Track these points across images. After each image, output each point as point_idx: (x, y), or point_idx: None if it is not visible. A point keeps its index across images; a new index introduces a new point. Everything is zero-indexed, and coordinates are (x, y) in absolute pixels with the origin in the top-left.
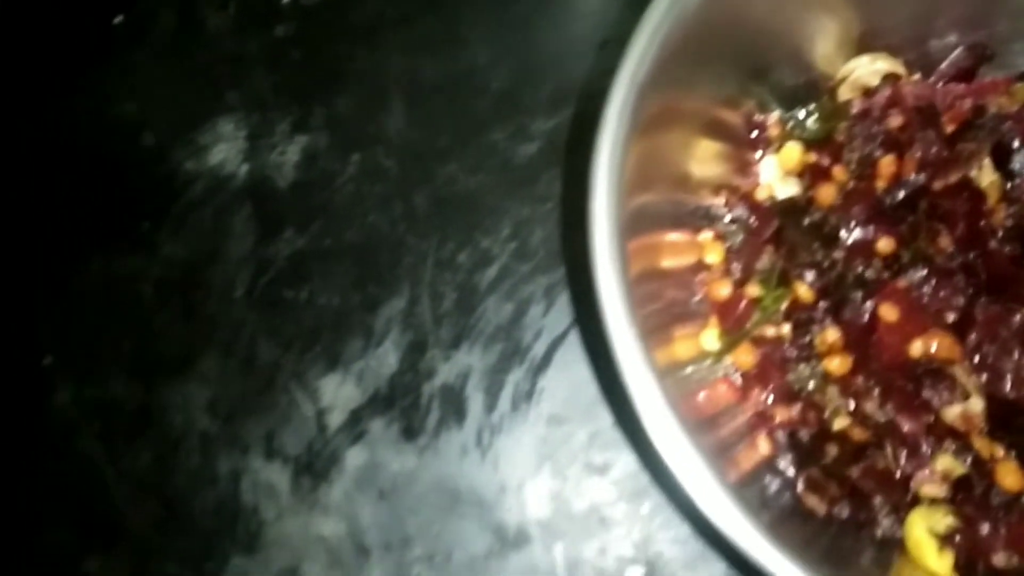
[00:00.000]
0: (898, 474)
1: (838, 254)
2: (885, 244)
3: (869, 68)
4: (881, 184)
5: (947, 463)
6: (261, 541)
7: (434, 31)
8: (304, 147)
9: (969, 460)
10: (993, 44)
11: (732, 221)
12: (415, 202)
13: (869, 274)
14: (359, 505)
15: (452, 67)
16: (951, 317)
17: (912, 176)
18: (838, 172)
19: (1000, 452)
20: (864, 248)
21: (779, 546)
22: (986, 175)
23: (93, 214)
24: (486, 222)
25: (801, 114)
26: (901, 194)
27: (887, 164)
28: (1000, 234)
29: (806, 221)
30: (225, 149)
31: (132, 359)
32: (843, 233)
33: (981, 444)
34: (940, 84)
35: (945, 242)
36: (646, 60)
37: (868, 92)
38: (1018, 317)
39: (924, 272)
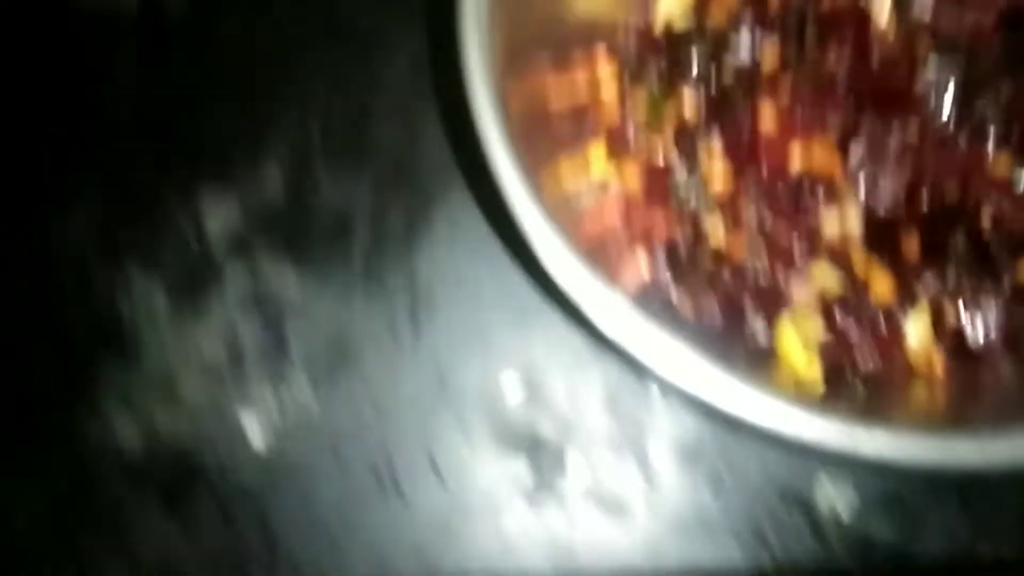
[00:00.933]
0: (774, 284)
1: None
2: (770, 59)
3: None
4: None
5: (823, 273)
6: (139, 354)
7: None
8: None
9: (843, 274)
10: None
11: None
12: (306, 21)
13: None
14: (239, 323)
15: None
16: (833, 135)
17: None
18: None
19: (875, 266)
20: (750, 69)
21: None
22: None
23: None
24: (379, 51)
25: None
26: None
27: None
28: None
29: (693, 46)
30: None
31: (10, 184)
32: (728, 56)
33: (857, 258)
34: None
35: (831, 60)
36: None
37: None
38: (898, 136)
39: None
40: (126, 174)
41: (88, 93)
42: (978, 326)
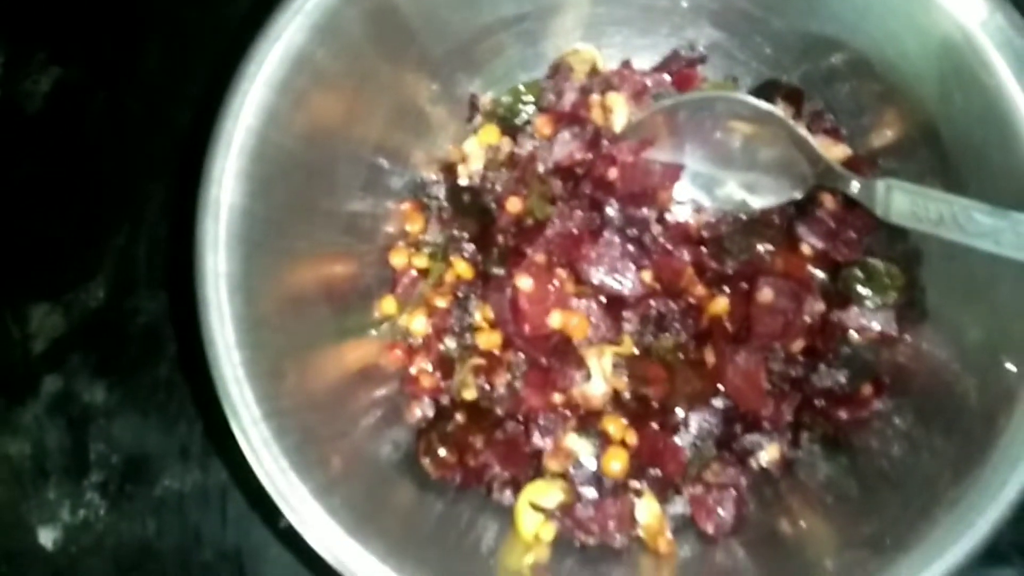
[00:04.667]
0: (525, 448)
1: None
2: (515, 204)
3: (578, 56)
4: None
5: (571, 441)
6: None
7: None
8: (56, 78)
9: (594, 440)
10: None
11: (434, 195)
12: (156, 141)
13: (511, 243)
14: (47, 430)
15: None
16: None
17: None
18: (507, 146)
19: (621, 433)
20: (507, 217)
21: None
22: None
23: None
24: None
25: (506, 94)
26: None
27: (541, 124)
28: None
29: (467, 198)
30: None
31: None
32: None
33: (608, 422)
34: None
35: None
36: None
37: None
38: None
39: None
40: None
41: None
42: (710, 510)
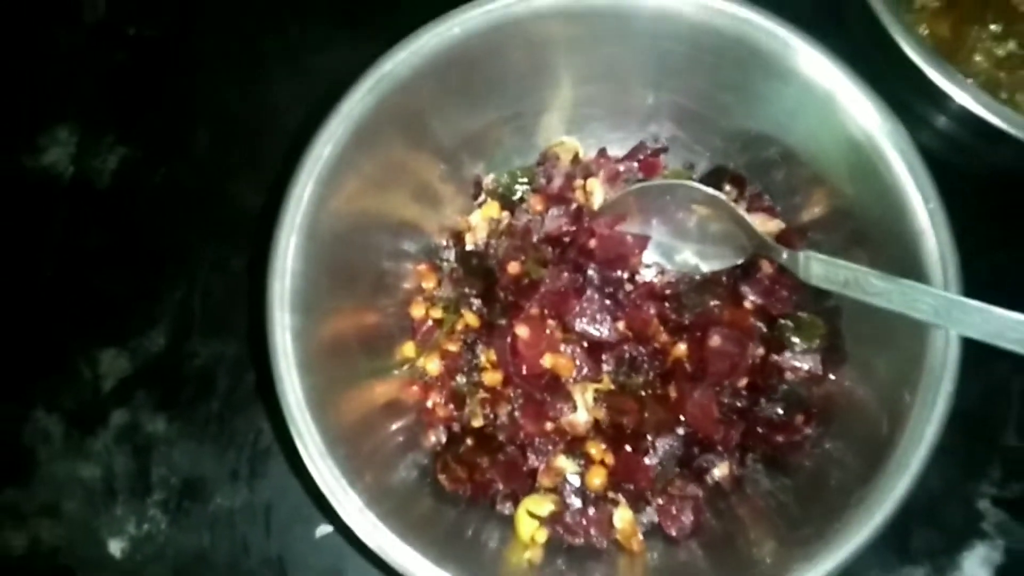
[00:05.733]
0: (523, 467)
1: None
2: (514, 267)
3: (564, 147)
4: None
5: (560, 461)
6: (32, 478)
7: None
8: (122, 157)
9: (579, 460)
10: (672, 143)
11: (446, 258)
12: (207, 210)
13: (511, 298)
14: (115, 456)
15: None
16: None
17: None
18: (506, 219)
19: (601, 455)
20: (508, 277)
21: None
22: None
23: None
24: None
25: (505, 176)
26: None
27: (534, 202)
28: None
29: (474, 261)
30: (57, 152)
31: None
32: (495, 265)
33: (591, 446)
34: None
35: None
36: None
37: (572, 161)
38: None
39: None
40: (42, 327)
41: (22, 249)
42: (675, 518)
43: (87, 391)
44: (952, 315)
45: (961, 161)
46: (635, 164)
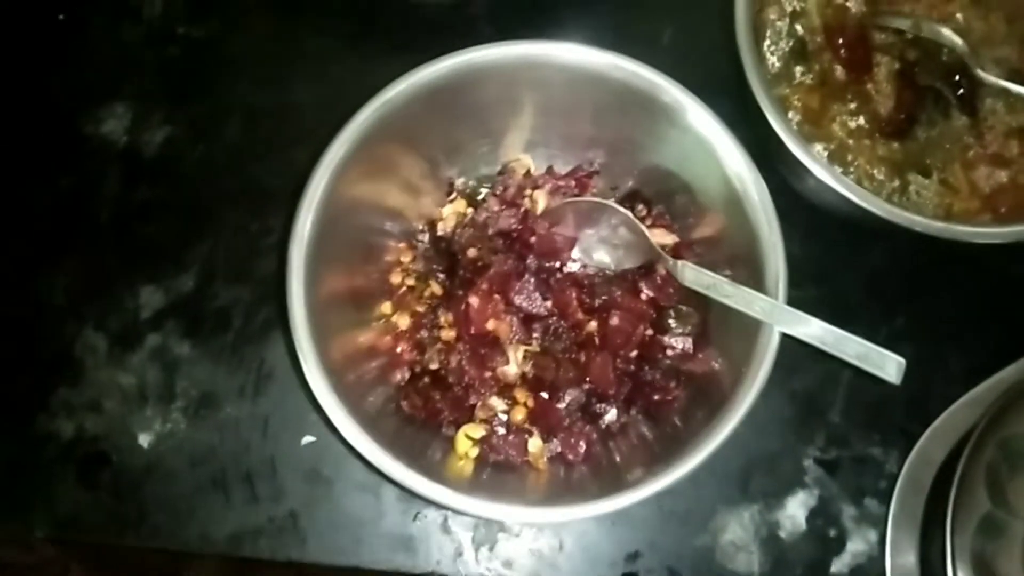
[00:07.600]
0: (465, 403)
1: (460, 268)
2: (472, 252)
3: (520, 162)
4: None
5: (493, 401)
6: (81, 381)
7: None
8: (167, 134)
9: (507, 401)
10: (602, 168)
11: (421, 240)
12: (234, 184)
13: (468, 276)
14: (148, 370)
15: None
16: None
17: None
18: (471, 213)
19: (524, 398)
20: (467, 259)
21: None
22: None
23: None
24: (277, 213)
25: (473, 180)
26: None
27: (492, 203)
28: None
29: (442, 244)
30: (113, 124)
31: (12, 255)
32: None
33: (517, 392)
34: (566, 178)
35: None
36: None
37: (524, 175)
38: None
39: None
40: (97, 262)
41: (82, 199)
42: (573, 447)
43: (128, 317)
44: (775, 316)
45: (802, 205)
46: (572, 182)
